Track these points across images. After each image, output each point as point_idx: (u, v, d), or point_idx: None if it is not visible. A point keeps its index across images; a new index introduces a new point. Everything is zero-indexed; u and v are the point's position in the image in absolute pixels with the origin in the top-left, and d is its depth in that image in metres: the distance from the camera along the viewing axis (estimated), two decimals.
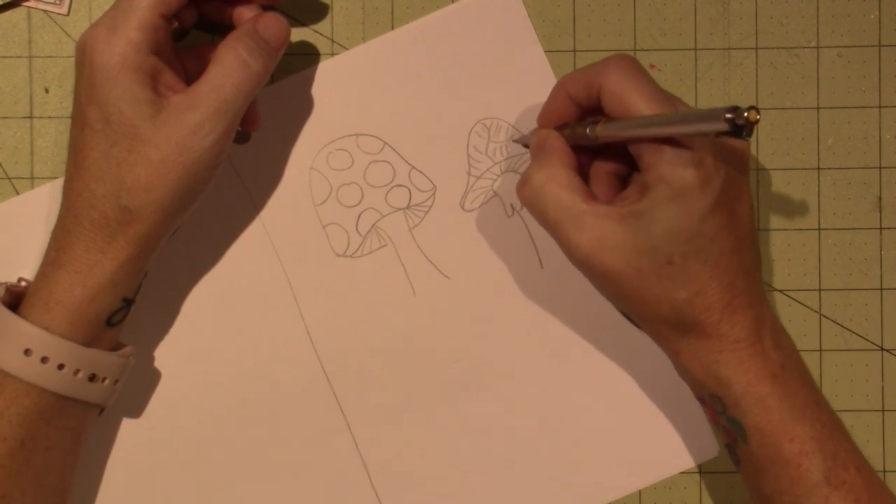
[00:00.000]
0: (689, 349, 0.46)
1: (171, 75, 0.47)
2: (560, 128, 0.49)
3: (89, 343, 0.46)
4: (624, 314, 0.53)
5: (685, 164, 0.44)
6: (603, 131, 0.46)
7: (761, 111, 0.47)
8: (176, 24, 0.49)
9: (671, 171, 0.44)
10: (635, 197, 0.45)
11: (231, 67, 0.46)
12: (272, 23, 0.48)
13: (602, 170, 0.49)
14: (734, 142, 0.44)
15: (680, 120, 0.43)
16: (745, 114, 0.39)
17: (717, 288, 0.45)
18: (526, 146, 0.53)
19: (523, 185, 0.47)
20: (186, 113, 0.45)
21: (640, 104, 0.45)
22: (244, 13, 0.49)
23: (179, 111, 0.45)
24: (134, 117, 0.45)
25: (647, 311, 0.46)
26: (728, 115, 0.39)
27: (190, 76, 0.48)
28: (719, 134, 0.40)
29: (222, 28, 0.49)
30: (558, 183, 0.46)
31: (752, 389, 0.45)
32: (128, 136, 0.45)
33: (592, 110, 0.48)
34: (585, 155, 0.49)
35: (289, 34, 0.48)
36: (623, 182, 0.49)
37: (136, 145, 0.45)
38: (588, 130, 0.47)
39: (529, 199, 0.47)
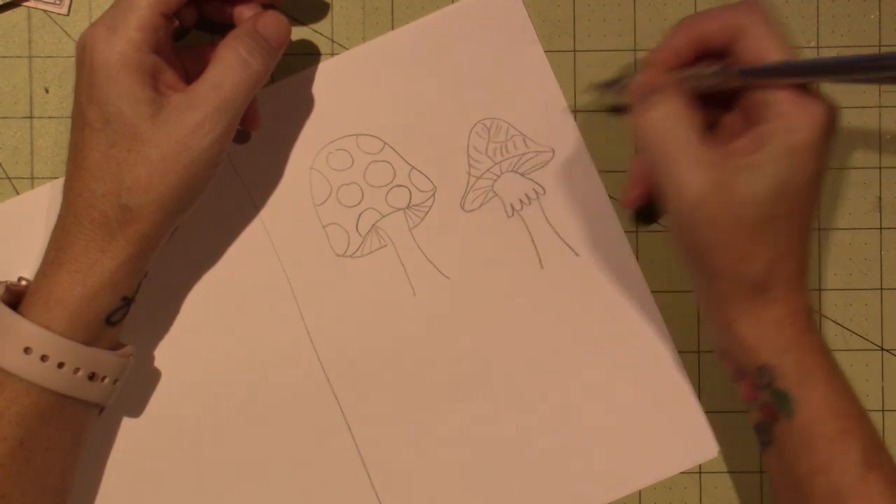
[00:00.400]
0: (752, 313, 0.45)
1: (171, 74, 0.47)
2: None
3: (89, 342, 0.46)
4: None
5: (814, 123, 0.44)
6: (743, 75, 0.45)
7: None
8: (176, 23, 0.49)
9: (798, 126, 0.44)
10: (751, 148, 0.44)
11: (231, 66, 0.46)
12: (272, 21, 0.48)
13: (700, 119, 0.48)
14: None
15: (853, 64, 0.42)
16: None
17: (798, 253, 0.45)
18: (608, 86, 0.52)
19: (645, 114, 0.45)
20: (186, 112, 0.45)
21: (782, 51, 0.44)
22: (244, 12, 0.49)
23: (179, 110, 0.45)
24: (134, 117, 0.45)
25: (731, 266, 0.45)
26: None
27: (190, 76, 0.48)
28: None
29: (222, 28, 0.49)
30: (683, 120, 0.45)
31: (806, 361, 0.45)
32: (128, 136, 0.45)
33: (704, 57, 0.47)
34: None
35: (289, 33, 0.48)
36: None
37: (135, 145, 0.45)
38: (713, 74, 0.46)
39: (648, 129, 0.45)
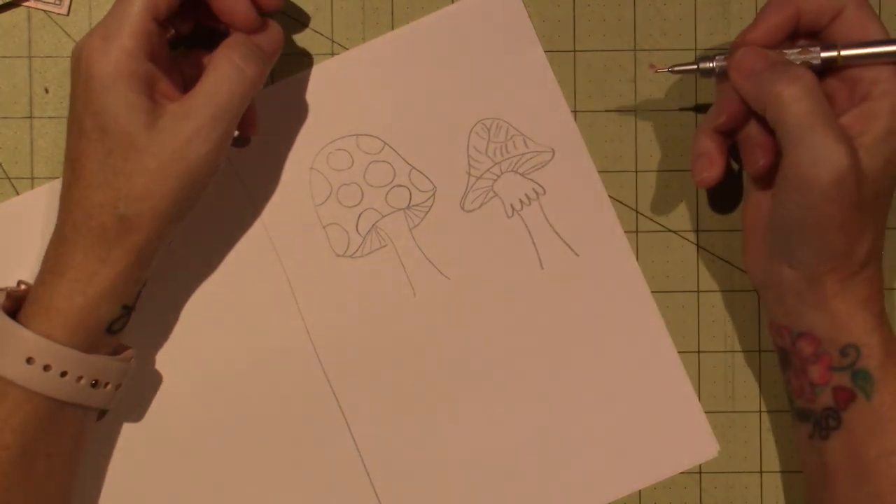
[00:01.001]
0: (847, 291, 0.46)
1: (167, 83, 0.46)
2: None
3: (91, 350, 0.46)
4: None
5: None
6: (848, 53, 0.46)
7: None
8: (172, 31, 0.49)
9: None
10: (858, 126, 0.45)
11: (226, 75, 0.46)
12: (264, 29, 0.48)
13: None
14: None
15: None
16: None
17: (883, 234, 0.47)
18: (691, 70, 0.50)
19: (790, 86, 0.44)
20: (182, 122, 0.45)
21: (876, 31, 0.46)
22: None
23: (175, 120, 0.45)
24: (130, 126, 0.45)
25: (847, 243, 0.45)
26: None
27: (188, 82, 0.48)
28: None
29: (219, 36, 0.49)
30: (821, 93, 0.45)
31: (890, 341, 0.46)
32: (124, 145, 0.45)
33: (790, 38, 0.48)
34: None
35: (282, 40, 0.49)
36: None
37: (132, 154, 0.45)
38: (817, 54, 0.46)
39: (794, 100, 0.44)
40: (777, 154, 0.47)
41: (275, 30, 0.48)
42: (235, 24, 0.48)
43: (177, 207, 0.46)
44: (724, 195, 0.54)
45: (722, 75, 0.49)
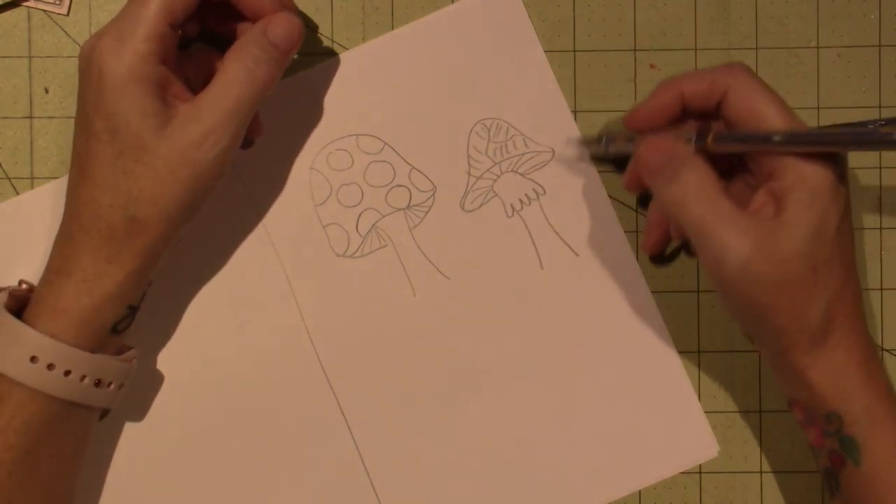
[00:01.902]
0: (819, 362, 0.45)
1: (178, 85, 0.46)
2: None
3: (95, 350, 0.46)
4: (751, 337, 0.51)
5: (823, 166, 0.44)
6: (718, 144, 0.46)
7: None
8: (179, 33, 0.49)
9: (812, 175, 0.44)
10: (772, 204, 0.45)
11: (237, 79, 0.46)
12: (282, 26, 0.47)
13: None
14: None
15: (836, 140, 0.44)
16: None
17: (851, 294, 0.45)
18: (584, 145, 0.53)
19: (673, 186, 0.45)
20: (192, 125, 0.45)
21: (773, 116, 0.45)
22: (246, 28, 0.48)
23: (185, 123, 0.45)
24: (141, 129, 0.45)
25: (789, 321, 0.45)
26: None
27: (191, 83, 0.48)
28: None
29: (223, 39, 0.49)
30: (713, 186, 0.45)
31: (874, 407, 0.45)
32: (134, 148, 0.45)
33: (690, 116, 0.48)
34: None
35: (301, 35, 0.48)
36: None
37: (142, 157, 0.45)
38: (694, 141, 0.46)
39: (680, 201, 0.45)
40: (663, 233, 0.50)
41: (293, 26, 0.47)
42: (259, 9, 0.47)
43: (185, 209, 0.46)
44: None
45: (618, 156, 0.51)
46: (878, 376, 0.46)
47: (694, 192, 0.45)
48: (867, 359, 0.46)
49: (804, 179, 0.44)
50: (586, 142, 0.53)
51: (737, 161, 0.49)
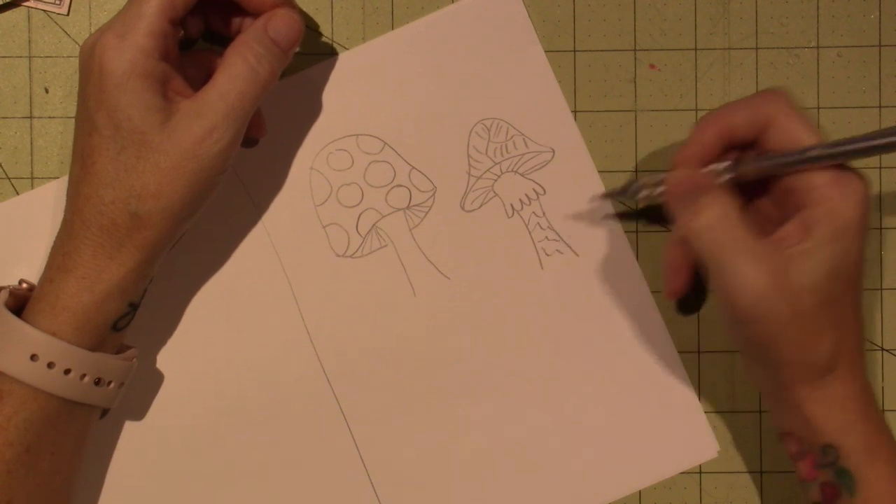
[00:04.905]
0: (818, 395, 0.45)
1: (180, 81, 0.47)
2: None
3: (95, 348, 0.46)
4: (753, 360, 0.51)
5: (857, 201, 0.44)
6: (756, 165, 0.46)
7: None
8: (182, 33, 0.49)
9: (843, 209, 0.44)
10: (797, 236, 0.45)
11: (239, 74, 0.46)
12: (283, 22, 0.47)
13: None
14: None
15: (874, 145, 0.44)
16: None
17: (857, 332, 0.46)
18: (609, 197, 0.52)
19: (696, 219, 0.45)
20: (195, 120, 0.45)
21: (807, 137, 0.45)
22: (248, 24, 0.49)
23: (188, 118, 0.45)
24: (143, 124, 0.45)
25: (795, 353, 0.45)
26: None
27: (191, 82, 0.48)
28: None
29: (228, 41, 0.49)
30: (735, 219, 0.45)
31: (872, 439, 0.45)
32: (137, 143, 0.45)
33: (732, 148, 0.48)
34: None
35: (301, 32, 0.48)
36: None
37: (145, 152, 0.45)
38: (732, 169, 0.47)
39: (702, 233, 0.45)
40: (689, 277, 0.49)
41: (293, 22, 0.48)
42: (260, 5, 0.48)
43: (187, 206, 0.46)
44: None
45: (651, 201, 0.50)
46: (874, 410, 0.46)
47: (715, 221, 0.45)
48: (865, 392, 0.46)
49: (835, 212, 0.44)
50: (612, 195, 0.53)
51: (761, 194, 0.49)
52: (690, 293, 0.54)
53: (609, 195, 0.53)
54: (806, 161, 0.45)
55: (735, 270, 0.44)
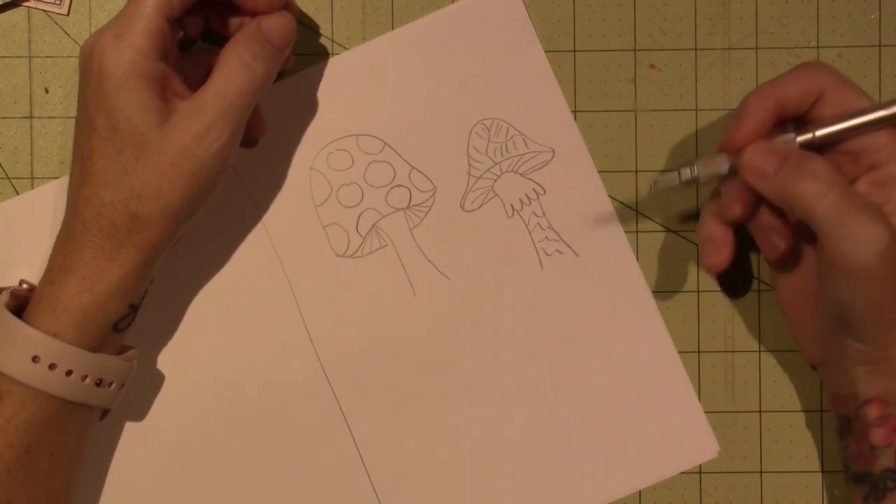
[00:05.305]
0: None
1: (178, 81, 0.47)
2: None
3: (96, 349, 0.46)
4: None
5: None
6: (831, 126, 0.46)
7: None
8: (181, 33, 0.49)
9: None
10: (877, 194, 0.46)
11: (235, 72, 0.46)
12: (276, 22, 0.48)
13: None
14: None
15: None
16: None
17: None
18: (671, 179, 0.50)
19: (801, 180, 0.45)
20: (193, 120, 0.45)
21: (859, 99, 0.46)
22: (246, 23, 0.49)
23: (186, 118, 0.45)
24: (142, 125, 0.45)
25: None
26: None
27: (190, 82, 0.48)
28: None
29: (228, 41, 0.49)
30: (844, 179, 0.45)
31: None
32: (135, 144, 0.45)
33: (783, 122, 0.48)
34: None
35: (294, 32, 0.48)
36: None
37: (144, 153, 0.45)
38: (801, 137, 0.47)
39: (816, 192, 0.45)
40: (795, 236, 0.48)
41: (287, 23, 0.48)
42: (257, 4, 0.48)
43: (187, 206, 0.46)
44: None
45: (710, 181, 0.49)
46: None
47: (828, 185, 0.45)
48: None
49: None
50: (666, 179, 0.50)
51: None
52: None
53: (662, 182, 0.50)
54: (885, 120, 0.45)
55: (860, 229, 0.44)
